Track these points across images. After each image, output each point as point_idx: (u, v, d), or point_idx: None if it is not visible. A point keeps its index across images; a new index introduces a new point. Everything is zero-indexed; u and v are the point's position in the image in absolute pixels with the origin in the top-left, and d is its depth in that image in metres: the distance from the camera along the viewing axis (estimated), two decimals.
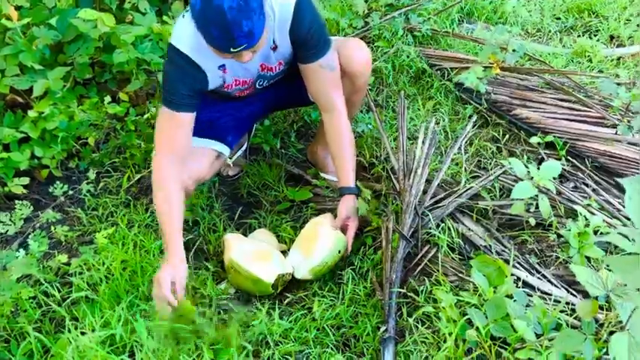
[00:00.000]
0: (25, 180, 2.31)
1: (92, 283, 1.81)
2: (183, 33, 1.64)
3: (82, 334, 1.60)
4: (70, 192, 2.16)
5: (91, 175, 2.15)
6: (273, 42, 1.75)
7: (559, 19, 3.21)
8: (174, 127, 1.73)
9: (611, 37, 3.02)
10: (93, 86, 2.73)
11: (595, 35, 3.06)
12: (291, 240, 2.00)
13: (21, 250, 1.72)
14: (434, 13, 2.93)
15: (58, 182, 1.97)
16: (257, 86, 1.94)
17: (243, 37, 1.45)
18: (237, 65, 1.74)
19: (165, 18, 2.76)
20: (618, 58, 2.80)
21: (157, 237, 2.03)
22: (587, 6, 3.22)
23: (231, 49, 1.49)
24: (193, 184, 1.88)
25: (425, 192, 1.96)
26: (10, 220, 1.75)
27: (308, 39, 1.73)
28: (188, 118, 1.73)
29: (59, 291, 1.82)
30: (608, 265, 1.66)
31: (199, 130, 1.88)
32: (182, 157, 1.75)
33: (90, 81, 2.77)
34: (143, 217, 2.12)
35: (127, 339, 1.60)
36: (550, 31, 3.10)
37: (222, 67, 1.74)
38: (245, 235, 2.02)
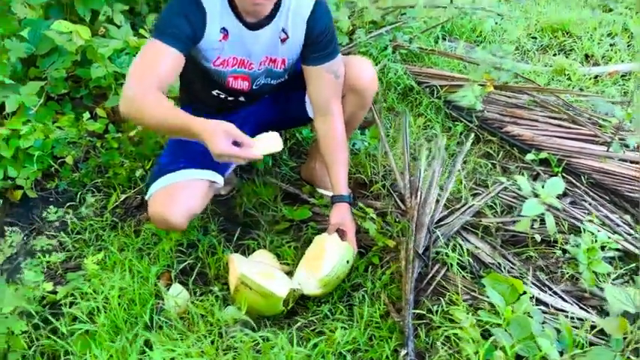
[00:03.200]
0: None
1: (87, 313, 1.68)
2: None
3: None
4: (52, 215, 2.00)
5: (77, 196, 2.02)
6: (284, 32, 1.70)
7: (535, 38, 3.31)
8: (162, 60, 1.54)
9: (587, 56, 3.14)
10: (67, 102, 2.59)
11: (569, 54, 3.17)
12: (294, 262, 1.94)
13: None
14: (419, 32, 2.95)
15: (52, 207, 1.82)
16: (254, 86, 1.83)
17: None
18: (239, 40, 1.67)
19: (141, 31, 2.66)
20: (595, 77, 2.90)
21: (151, 262, 1.92)
22: (560, 26, 3.33)
23: None
24: (187, 221, 1.76)
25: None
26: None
27: (321, 38, 1.70)
28: (178, 56, 1.56)
29: (46, 323, 1.69)
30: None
31: (191, 160, 1.78)
32: (163, 88, 1.56)
33: (63, 96, 2.62)
34: (134, 240, 2.00)
35: None
36: (527, 50, 3.19)
37: (225, 31, 1.65)
38: (244, 256, 1.94)
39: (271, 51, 1.74)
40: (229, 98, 1.87)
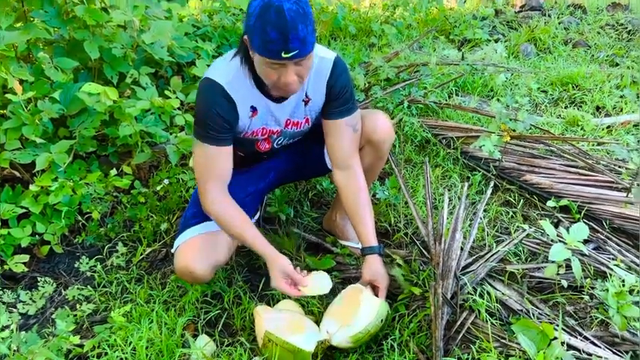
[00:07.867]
0: (25, 257, 2.18)
1: None
2: (221, 68, 1.66)
3: None
4: (83, 265, 2.03)
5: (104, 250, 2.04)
6: (306, 95, 1.77)
7: (545, 92, 3.39)
8: (217, 160, 1.74)
9: (598, 108, 3.20)
10: (94, 159, 2.67)
11: (581, 106, 3.23)
12: (319, 310, 1.93)
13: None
14: (434, 87, 3.05)
15: (84, 257, 1.85)
16: (275, 145, 1.93)
17: (297, 40, 1.45)
18: (267, 113, 1.75)
19: (167, 92, 2.76)
20: (608, 127, 2.95)
21: (178, 313, 1.92)
22: (569, 80, 3.42)
23: (283, 54, 1.47)
24: (212, 272, 1.82)
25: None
26: (31, 299, 1.62)
27: (341, 95, 1.77)
28: (227, 150, 1.74)
29: None
30: None
31: None
32: (226, 181, 1.78)
33: (90, 154, 2.71)
34: (161, 292, 2.01)
35: None
36: (539, 103, 3.26)
37: (254, 109, 1.73)
38: (270, 306, 1.93)
39: (294, 114, 1.82)
40: (251, 156, 1.94)
